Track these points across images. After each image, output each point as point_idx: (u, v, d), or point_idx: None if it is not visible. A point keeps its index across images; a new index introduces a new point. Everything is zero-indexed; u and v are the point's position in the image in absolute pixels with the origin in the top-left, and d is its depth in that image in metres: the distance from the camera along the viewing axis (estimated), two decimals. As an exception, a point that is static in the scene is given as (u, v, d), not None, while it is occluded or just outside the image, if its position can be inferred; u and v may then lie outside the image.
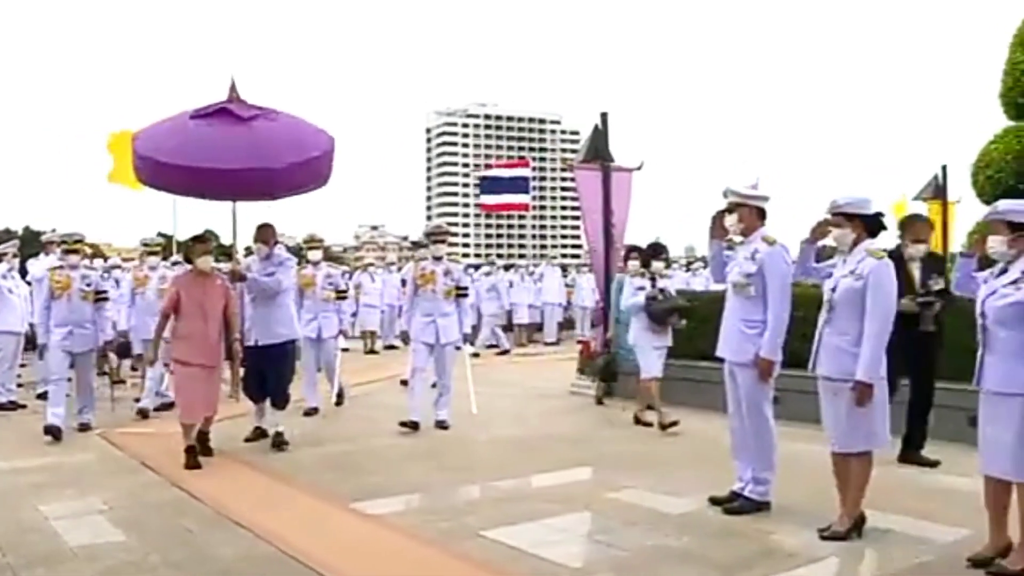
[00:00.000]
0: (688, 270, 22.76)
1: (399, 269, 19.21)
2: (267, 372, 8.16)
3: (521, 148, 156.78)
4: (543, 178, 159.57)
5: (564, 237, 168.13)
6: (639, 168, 12.39)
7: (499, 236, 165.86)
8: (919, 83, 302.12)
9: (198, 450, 7.49)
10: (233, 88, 7.93)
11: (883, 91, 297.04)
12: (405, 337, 10.21)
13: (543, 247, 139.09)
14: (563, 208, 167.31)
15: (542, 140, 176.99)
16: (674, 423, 8.77)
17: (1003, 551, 4.69)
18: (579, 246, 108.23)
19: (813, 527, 5.36)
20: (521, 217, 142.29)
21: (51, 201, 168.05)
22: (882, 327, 5.12)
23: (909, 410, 7.15)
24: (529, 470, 7.34)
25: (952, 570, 4.73)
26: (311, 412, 9.98)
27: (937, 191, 17.75)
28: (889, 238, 6.39)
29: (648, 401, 9.19)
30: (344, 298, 10.93)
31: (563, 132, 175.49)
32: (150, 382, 10.03)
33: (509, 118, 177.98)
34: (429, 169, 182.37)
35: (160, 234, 14.44)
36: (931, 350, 7.06)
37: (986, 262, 5.04)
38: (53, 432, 8.43)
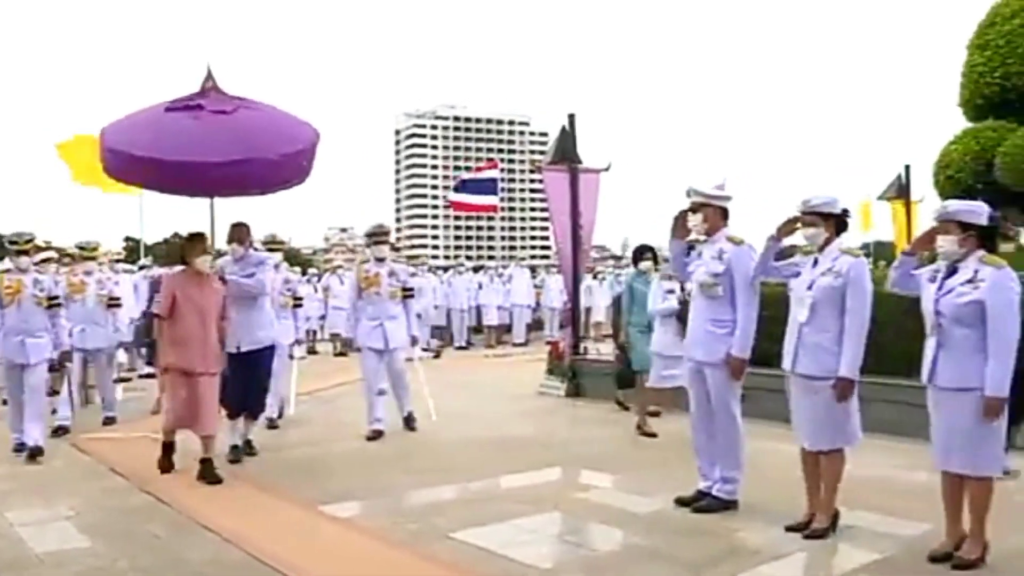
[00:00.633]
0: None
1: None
2: (250, 380, 7.71)
3: (490, 150, 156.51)
4: (512, 179, 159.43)
5: (533, 238, 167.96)
6: (607, 169, 12.47)
7: (468, 238, 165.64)
8: (883, 84, 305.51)
9: (173, 459, 7.20)
10: (210, 76, 7.35)
11: (848, 92, 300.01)
12: (346, 344, 9.53)
13: (512, 248, 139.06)
14: (532, 209, 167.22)
15: (511, 142, 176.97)
16: (653, 435, 8.63)
17: (960, 543, 4.79)
18: (548, 247, 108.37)
19: (780, 525, 5.42)
20: (490, 218, 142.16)
21: (14, 204, 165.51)
22: (863, 323, 5.20)
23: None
24: (498, 471, 7.36)
25: (915, 564, 4.80)
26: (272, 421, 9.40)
27: (900, 190, 18.04)
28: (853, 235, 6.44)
29: (650, 407, 8.85)
30: (300, 305, 10.24)
31: (532, 134, 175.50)
32: (109, 393, 9.85)
33: (478, 120, 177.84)
34: (398, 171, 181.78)
35: (127, 238, 14.32)
36: None
37: (927, 260, 5.13)
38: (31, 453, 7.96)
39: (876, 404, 6.81)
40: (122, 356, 10.86)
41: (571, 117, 12.34)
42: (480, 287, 20.57)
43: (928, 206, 17.12)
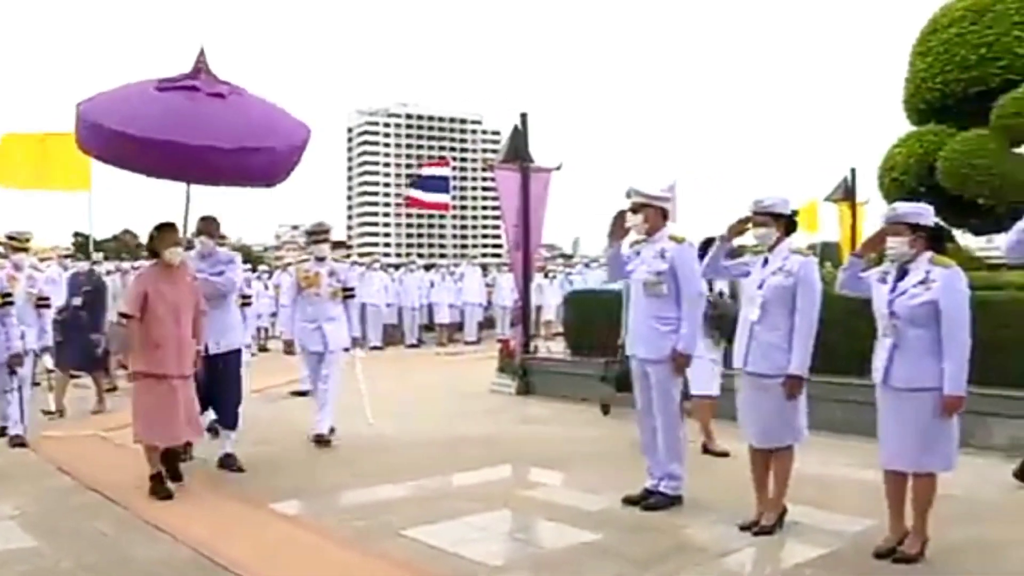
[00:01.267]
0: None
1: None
2: (220, 385, 7.20)
3: (442, 148, 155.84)
4: (464, 178, 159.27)
5: (485, 237, 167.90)
6: (558, 169, 12.54)
7: (420, 236, 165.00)
8: (831, 87, 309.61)
9: (166, 475, 6.53)
10: (202, 56, 6.70)
11: (797, 95, 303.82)
12: (288, 346, 8.93)
13: (464, 247, 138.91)
14: (484, 208, 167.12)
15: (463, 140, 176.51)
16: (725, 453, 7.48)
17: (903, 538, 4.89)
18: (499, 246, 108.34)
19: (727, 522, 5.50)
20: (442, 217, 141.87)
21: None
22: (812, 322, 5.30)
23: None
24: (449, 469, 7.37)
25: (859, 559, 4.89)
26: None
27: (847, 192, 18.30)
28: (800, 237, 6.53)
29: (705, 423, 7.82)
30: (249, 304, 9.91)
31: (484, 132, 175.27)
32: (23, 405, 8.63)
33: (431, 118, 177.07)
34: (350, 168, 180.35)
35: (77, 234, 14.01)
36: None
37: (874, 262, 5.24)
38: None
39: (825, 403, 6.94)
40: (49, 361, 10.29)
41: (523, 116, 12.39)
42: (432, 285, 20.68)
43: (873, 208, 17.47)
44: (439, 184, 16.54)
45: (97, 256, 16.36)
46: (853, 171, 18.24)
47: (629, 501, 6.03)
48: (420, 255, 48.34)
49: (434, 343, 20.15)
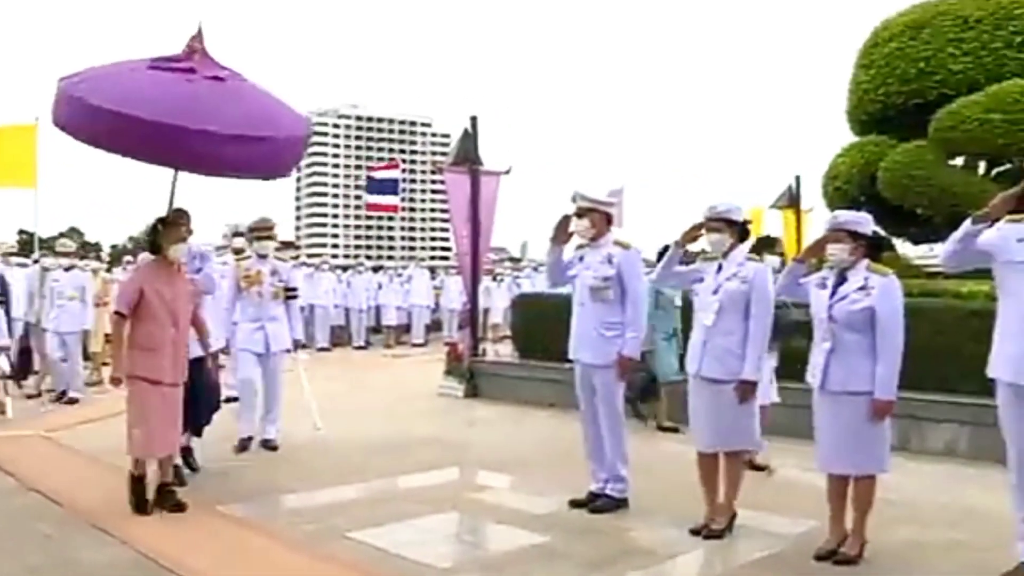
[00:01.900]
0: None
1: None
2: (199, 389, 6.70)
3: (392, 149, 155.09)
4: (413, 180, 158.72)
5: (433, 239, 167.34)
6: (507, 172, 12.59)
7: (368, 237, 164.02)
8: (776, 97, 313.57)
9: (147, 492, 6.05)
10: (200, 36, 6.29)
11: (743, 103, 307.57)
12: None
13: (412, 249, 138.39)
14: (432, 210, 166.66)
15: (413, 142, 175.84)
16: (768, 468, 7.09)
17: (843, 540, 5.01)
18: (448, 248, 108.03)
19: (674, 525, 5.58)
20: (390, 219, 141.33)
21: None
22: (765, 328, 5.41)
23: None
24: (396, 471, 7.36)
25: (801, 560, 4.99)
26: None
27: (791, 200, 18.62)
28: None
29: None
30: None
31: (434, 135, 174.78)
32: None
33: (380, 119, 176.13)
34: (299, 168, 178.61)
35: (21, 231, 13.65)
36: None
37: (814, 268, 5.36)
38: None
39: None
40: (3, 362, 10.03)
41: (473, 119, 12.43)
42: (379, 287, 20.63)
43: (817, 216, 17.75)
44: (389, 186, 16.54)
45: (39, 254, 16.00)
46: (798, 179, 18.59)
47: (576, 504, 6.07)
48: (368, 257, 47.97)
49: (381, 345, 20.11)
